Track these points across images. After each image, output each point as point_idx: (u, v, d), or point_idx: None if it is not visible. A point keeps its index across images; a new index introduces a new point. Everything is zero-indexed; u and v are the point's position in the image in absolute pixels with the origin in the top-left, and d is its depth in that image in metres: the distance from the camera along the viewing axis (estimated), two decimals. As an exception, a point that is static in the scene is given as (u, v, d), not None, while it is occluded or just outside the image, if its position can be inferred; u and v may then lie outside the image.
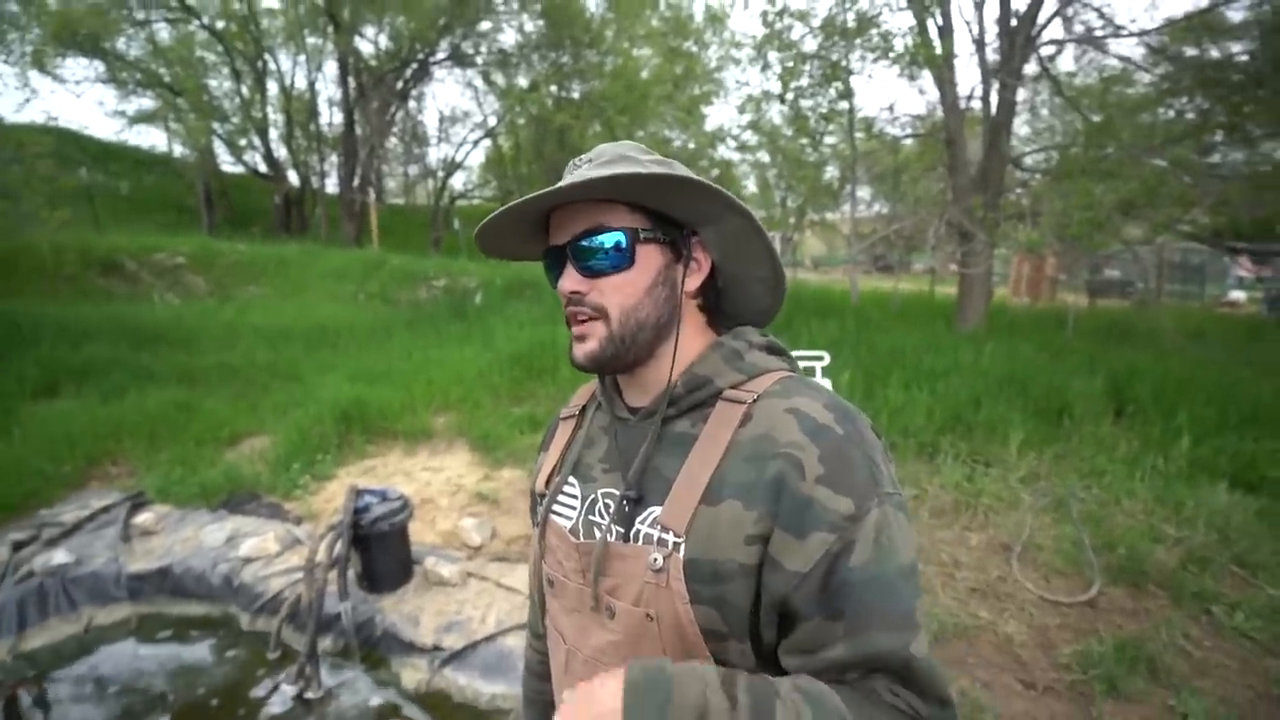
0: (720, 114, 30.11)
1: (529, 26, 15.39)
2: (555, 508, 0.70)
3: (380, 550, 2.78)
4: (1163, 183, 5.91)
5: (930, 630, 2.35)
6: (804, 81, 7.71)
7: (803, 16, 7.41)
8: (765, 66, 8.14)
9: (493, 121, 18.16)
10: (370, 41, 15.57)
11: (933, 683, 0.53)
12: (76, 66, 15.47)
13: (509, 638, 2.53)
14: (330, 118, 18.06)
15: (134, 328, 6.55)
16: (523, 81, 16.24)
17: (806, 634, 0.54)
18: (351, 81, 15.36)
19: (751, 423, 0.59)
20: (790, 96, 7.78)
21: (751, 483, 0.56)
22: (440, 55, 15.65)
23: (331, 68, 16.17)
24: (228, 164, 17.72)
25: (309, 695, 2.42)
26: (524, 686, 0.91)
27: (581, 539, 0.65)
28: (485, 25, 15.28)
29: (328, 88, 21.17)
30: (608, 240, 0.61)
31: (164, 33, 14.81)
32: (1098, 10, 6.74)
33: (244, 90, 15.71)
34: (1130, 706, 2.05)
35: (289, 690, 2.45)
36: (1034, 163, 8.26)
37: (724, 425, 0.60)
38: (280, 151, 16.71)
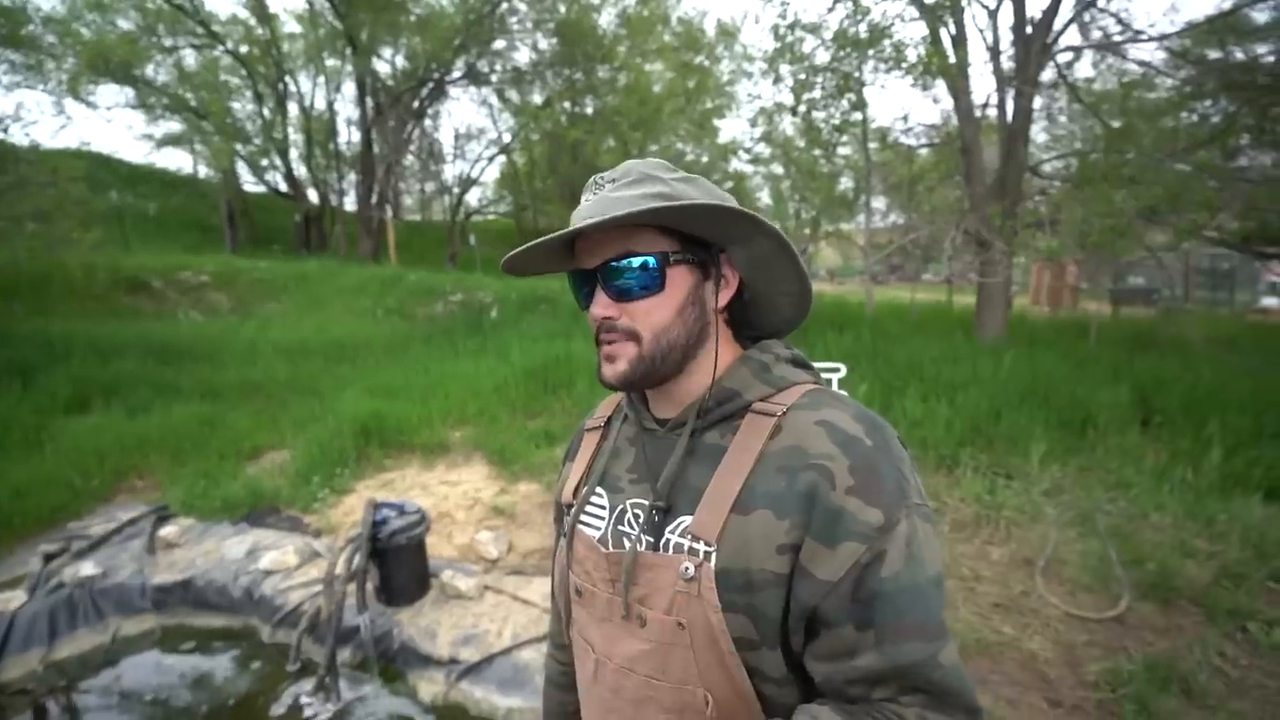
0: (733, 127, 30.33)
1: (543, 44, 15.69)
2: (583, 518, 0.70)
3: (398, 563, 2.80)
4: (1187, 188, 5.81)
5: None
6: (816, 93, 7.73)
7: (814, 29, 7.45)
8: (777, 79, 8.18)
9: (507, 138, 18.48)
10: (387, 62, 16.00)
11: (962, 693, 0.53)
12: (108, 93, 16.24)
13: (525, 651, 2.52)
14: (349, 137, 18.55)
15: (160, 345, 6.72)
16: (537, 98, 16.51)
17: (834, 641, 0.55)
18: (369, 101, 15.74)
19: (782, 434, 0.60)
20: (803, 109, 7.81)
21: (783, 493, 0.57)
22: (456, 74, 15.98)
23: (350, 88, 16.64)
24: (250, 184, 18.27)
25: (328, 708, 2.43)
26: (545, 699, 0.91)
27: (611, 549, 0.66)
28: (500, 44, 15.61)
29: (346, 108, 21.76)
30: (638, 265, 0.61)
31: (190, 59, 15.38)
32: (1115, 16, 6.69)
33: (265, 112, 16.18)
34: (1164, 728, 1.98)
35: (309, 703, 2.46)
36: (1052, 170, 8.17)
37: (755, 437, 0.61)
38: (300, 171, 17.17)
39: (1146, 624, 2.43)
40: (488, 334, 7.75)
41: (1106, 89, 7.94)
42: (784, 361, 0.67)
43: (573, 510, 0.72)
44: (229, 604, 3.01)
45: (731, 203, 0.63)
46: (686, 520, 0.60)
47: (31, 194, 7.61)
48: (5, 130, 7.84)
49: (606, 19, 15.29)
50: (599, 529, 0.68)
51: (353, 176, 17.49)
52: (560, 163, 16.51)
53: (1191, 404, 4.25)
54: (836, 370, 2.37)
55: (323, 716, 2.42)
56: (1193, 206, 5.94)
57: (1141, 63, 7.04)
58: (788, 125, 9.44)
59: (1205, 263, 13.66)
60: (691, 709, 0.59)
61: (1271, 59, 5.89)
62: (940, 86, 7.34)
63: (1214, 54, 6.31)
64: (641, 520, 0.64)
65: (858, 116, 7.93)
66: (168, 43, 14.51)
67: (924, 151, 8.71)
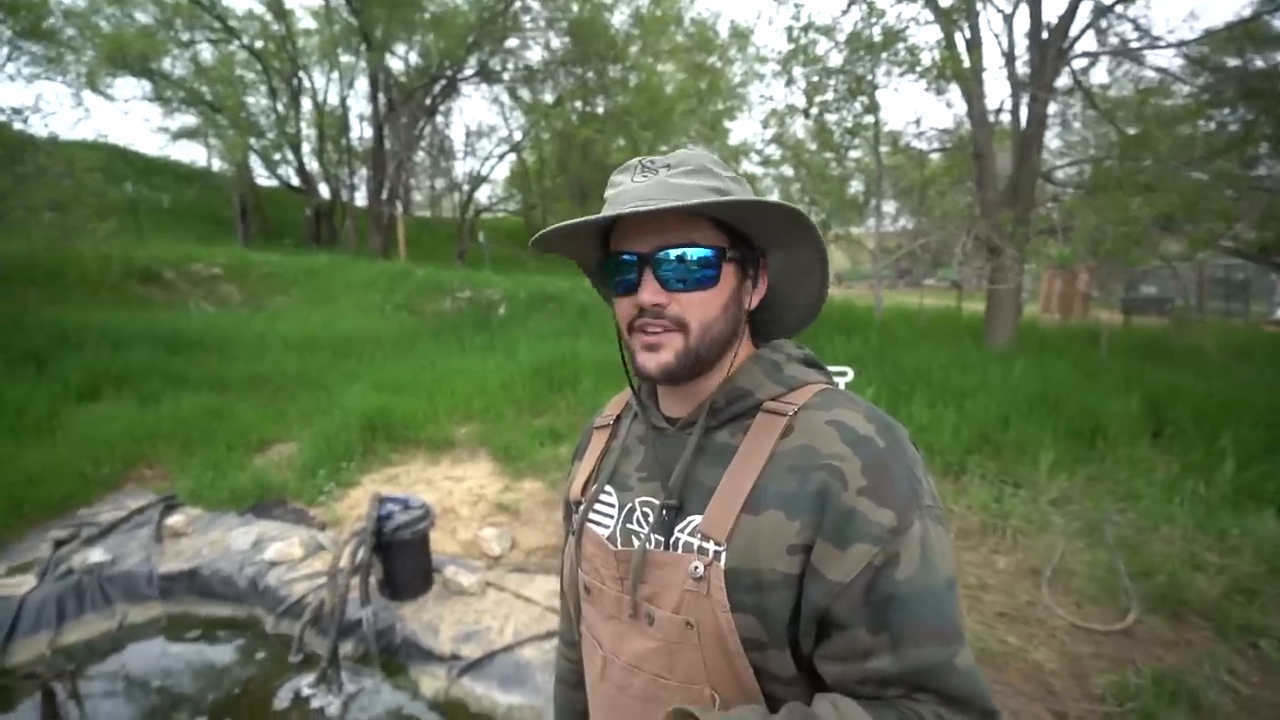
0: (744, 128, 30.29)
1: (555, 43, 15.72)
2: (592, 516, 0.70)
3: (401, 558, 2.80)
4: (1204, 196, 5.73)
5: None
6: (829, 96, 7.69)
7: (828, 31, 7.41)
8: (790, 81, 8.15)
9: (518, 136, 18.52)
10: (401, 59, 16.07)
11: (979, 695, 0.54)
12: (126, 85, 16.31)
13: (527, 649, 2.52)
14: (361, 133, 18.63)
15: (171, 335, 6.78)
16: (548, 97, 16.54)
17: (846, 643, 0.55)
18: (382, 97, 15.82)
19: (793, 434, 0.60)
20: (815, 111, 7.77)
21: (794, 493, 0.56)
22: (468, 72, 16.04)
23: (363, 84, 16.70)
24: (262, 177, 18.42)
25: (330, 699, 2.44)
26: (556, 697, 0.91)
27: (620, 547, 0.65)
28: (512, 42, 15.65)
29: (359, 104, 21.93)
30: (697, 257, 0.60)
31: (206, 53, 15.50)
32: (1133, 22, 6.62)
33: (279, 107, 16.30)
34: (1171, 743, 1.95)
35: (311, 694, 2.48)
36: (1066, 176, 8.10)
37: (766, 436, 0.60)
38: (312, 165, 17.27)
39: (1155, 637, 2.40)
40: (495, 331, 7.77)
41: (1123, 95, 7.86)
42: (795, 361, 0.67)
43: (582, 508, 0.72)
44: (234, 594, 3.04)
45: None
46: (696, 519, 0.60)
47: (49, 184, 7.71)
48: (25, 121, 7.95)
49: (619, 19, 15.31)
50: (608, 527, 0.68)
51: (364, 172, 17.57)
52: (570, 161, 16.54)
53: (1204, 415, 4.19)
54: (844, 374, 2.35)
55: (325, 709, 2.43)
56: (1209, 215, 5.86)
57: (1159, 69, 6.96)
58: (799, 127, 9.40)
59: (1220, 273, 13.49)
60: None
61: (1292, 67, 5.81)
62: (954, 91, 7.28)
63: (1233, 61, 6.23)
64: (651, 519, 0.64)
65: (870, 119, 7.88)
66: (185, 37, 14.65)
67: (936, 156, 8.64)
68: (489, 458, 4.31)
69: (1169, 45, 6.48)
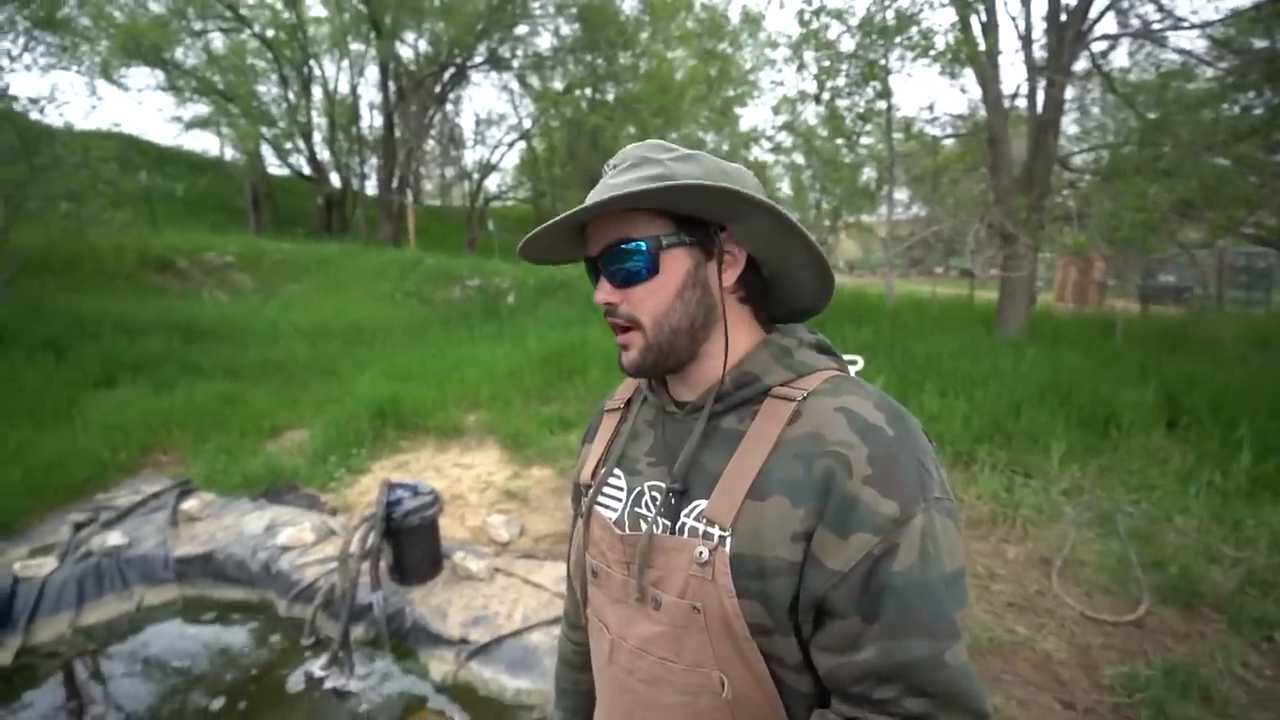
0: (754, 115, 29.86)
1: (564, 30, 15.58)
2: (600, 499, 0.70)
3: (411, 543, 2.84)
4: (1225, 182, 5.60)
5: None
6: (841, 81, 7.57)
7: (840, 15, 7.28)
8: (801, 66, 8.03)
9: (528, 124, 18.43)
10: (410, 47, 16.01)
11: (969, 695, 0.52)
12: (139, 75, 16.46)
13: (534, 634, 2.55)
14: (371, 121, 18.65)
15: (185, 323, 6.87)
16: (558, 84, 16.44)
17: (840, 632, 0.54)
18: (392, 86, 15.80)
19: (800, 420, 0.59)
20: (827, 97, 7.65)
21: (799, 480, 0.56)
22: (478, 59, 15.96)
23: (373, 73, 16.77)
24: (274, 167, 18.48)
25: (342, 682, 2.48)
26: (557, 677, 0.92)
27: (627, 531, 0.65)
28: (522, 29, 15.53)
29: (369, 92, 21.94)
30: (630, 250, 0.61)
31: (218, 42, 15.53)
32: (1156, 2, 6.44)
33: (290, 96, 16.32)
34: (1180, 734, 1.94)
35: (323, 676, 2.52)
36: (1083, 162, 7.93)
37: (773, 422, 0.60)
38: (323, 154, 17.34)
39: (1166, 629, 2.38)
40: (504, 319, 7.79)
41: (1143, 79, 7.66)
42: (807, 346, 0.66)
43: (590, 491, 0.72)
44: (247, 577, 3.09)
45: (730, 179, 0.61)
46: (702, 504, 0.60)
47: (65, 174, 7.79)
48: (41, 111, 8.01)
49: (629, 5, 15.16)
50: (616, 511, 0.68)
51: (374, 161, 17.63)
52: (580, 149, 16.44)
53: (1221, 405, 4.12)
54: (854, 363, 2.34)
55: (337, 690, 2.47)
56: (1230, 202, 5.72)
57: (1181, 51, 6.78)
58: (811, 114, 9.28)
59: (1242, 260, 13.19)
60: (706, 691, 0.59)
61: (1322, 48, 5.63)
62: (968, 75, 7.14)
63: (1259, 43, 6.05)
64: (658, 503, 0.64)
65: (882, 105, 7.75)
66: (197, 26, 14.68)
67: (949, 142, 8.49)
68: (497, 445, 4.34)
69: (1193, 26, 6.30)
